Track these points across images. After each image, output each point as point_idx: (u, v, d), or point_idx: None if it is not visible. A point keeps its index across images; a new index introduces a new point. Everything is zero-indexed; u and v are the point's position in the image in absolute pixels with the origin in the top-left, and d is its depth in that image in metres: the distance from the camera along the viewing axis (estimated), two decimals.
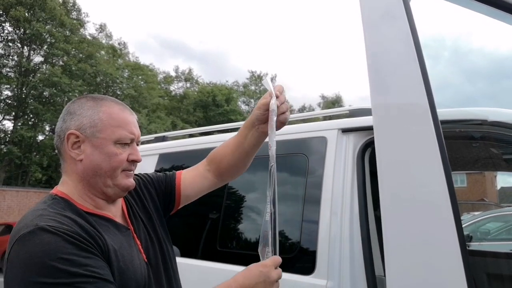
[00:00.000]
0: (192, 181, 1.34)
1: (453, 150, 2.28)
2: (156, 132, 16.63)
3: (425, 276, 1.04)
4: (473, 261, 2.78)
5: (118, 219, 1.08)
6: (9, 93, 23.01)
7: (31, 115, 23.13)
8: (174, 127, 29.10)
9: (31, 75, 22.56)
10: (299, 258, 1.93)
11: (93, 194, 1.04)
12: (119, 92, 27.36)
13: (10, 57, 22.61)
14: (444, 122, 1.12)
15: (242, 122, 3.17)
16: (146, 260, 1.06)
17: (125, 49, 31.12)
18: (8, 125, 23.98)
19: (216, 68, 59.97)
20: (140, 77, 29.59)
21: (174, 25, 67.51)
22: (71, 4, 25.07)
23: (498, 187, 21.42)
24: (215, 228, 2.32)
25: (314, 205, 1.94)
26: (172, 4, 65.61)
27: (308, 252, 1.90)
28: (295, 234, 1.99)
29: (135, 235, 1.09)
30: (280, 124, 1.23)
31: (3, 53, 22.03)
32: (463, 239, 1.01)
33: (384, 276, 1.65)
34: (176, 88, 38.78)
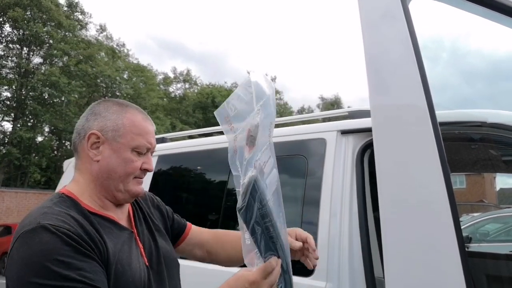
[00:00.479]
0: (193, 243, 1.37)
1: (452, 152, 2.28)
2: (155, 134, 16.58)
3: (424, 278, 1.04)
4: (472, 262, 2.78)
5: (123, 222, 1.09)
6: (8, 94, 23.01)
7: (30, 116, 23.10)
8: (173, 128, 29.10)
9: (30, 76, 22.55)
10: (298, 260, 1.92)
11: (103, 196, 1.06)
12: (118, 93, 27.36)
13: (9, 58, 22.60)
14: (443, 123, 1.12)
15: None
16: (147, 264, 1.06)
17: (125, 50, 31.11)
18: (7, 126, 23.98)
19: (215, 69, 60.06)
20: (139, 78, 29.60)
21: (172, 26, 67.61)
22: (74, 5, 25.08)
23: (497, 189, 21.41)
24: (214, 229, 2.32)
25: (313, 207, 1.94)
26: (170, 4, 65.70)
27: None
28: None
29: (138, 238, 1.09)
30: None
31: (2, 54, 22.02)
32: (462, 241, 1.01)
33: (383, 277, 1.65)
34: (175, 89, 38.81)
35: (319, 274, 1.78)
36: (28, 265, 0.83)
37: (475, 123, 1.65)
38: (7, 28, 22.28)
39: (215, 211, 2.40)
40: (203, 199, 2.59)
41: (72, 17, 24.73)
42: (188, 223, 1.39)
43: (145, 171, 1.10)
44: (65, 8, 24.31)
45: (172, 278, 1.15)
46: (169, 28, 67.14)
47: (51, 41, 22.20)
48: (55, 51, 22.35)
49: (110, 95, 27.87)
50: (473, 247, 5.43)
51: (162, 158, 2.77)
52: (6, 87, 22.16)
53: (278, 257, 0.93)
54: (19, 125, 22.59)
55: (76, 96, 23.04)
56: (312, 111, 42.31)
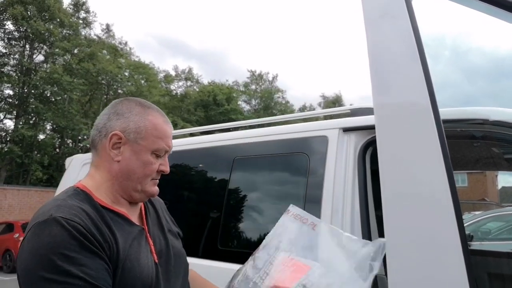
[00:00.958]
0: None
1: (454, 150, 2.28)
2: None
3: (426, 275, 1.04)
4: (474, 260, 2.77)
5: (134, 218, 1.10)
6: (11, 92, 23.06)
7: (32, 114, 23.15)
8: (174, 126, 28.86)
9: (33, 74, 22.57)
10: None
11: (118, 194, 1.07)
12: (120, 91, 27.38)
13: (12, 56, 22.62)
14: (445, 121, 1.12)
15: (242, 122, 3.17)
16: (156, 261, 1.07)
17: (127, 48, 31.13)
18: (9, 124, 24.05)
19: (216, 67, 60.02)
20: (141, 75, 29.62)
21: (173, 24, 67.57)
22: (80, 4, 25.10)
23: (499, 187, 21.40)
24: (216, 227, 2.32)
25: (315, 204, 1.94)
26: (171, 2, 65.62)
27: None
28: None
29: (148, 235, 1.10)
30: None
31: (4, 51, 22.04)
32: (465, 239, 1.01)
33: (385, 275, 1.65)
34: (177, 87, 38.82)
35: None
36: (35, 257, 0.86)
37: (478, 121, 1.65)
38: (9, 25, 22.31)
39: (216, 209, 2.40)
40: (204, 197, 2.59)
41: (76, 15, 24.75)
42: None
43: (161, 172, 1.12)
44: (71, 7, 24.32)
45: (180, 277, 1.16)
46: (170, 26, 67.18)
47: (52, 39, 22.18)
48: (56, 50, 22.36)
49: (111, 92, 27.91)
50: (475, 245, 5.43)
51: None
52: (8, 85, 22.19)
53: None
54: (21, 123, 22.64)
55: (78, 94, 23.03)
56: (313, 109, 42.29)
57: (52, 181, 24.73)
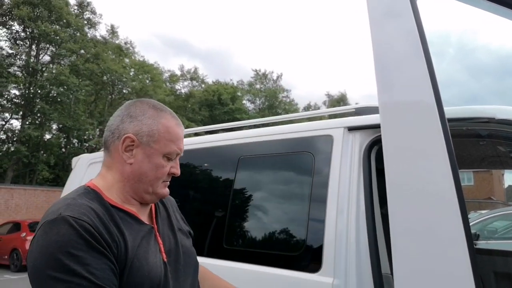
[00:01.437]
0: None
1: (460, 148, 2.27)
2: None
3: (432, 274, 1.04)
4: (480, 259, 2.76)
5: (144, 217, 1.11)
6: (17, 93, 23.21)
7: (39, 115, 23.28)
8: None
9: (39, 75, 22.70)
10: (306, 256, 1.93)
11: (129, 195, 1.08)
12: (125, 91, 27.48)
13: (18, 57, 22.77)
14: (451, 120, 1.12)
15: (247, 121, 3.17)
16: (165, 260, 1.07)
17: (132, 48, 31.23)
18: (16, 124, 24.20)
19: (220, 67, 60.05)
20: (146, 75, 29.71)
21: (177, 24, 67.68)
22: (85, 5, 25.22)
23: (506, 186, 21.26)
24: (221, 226, 2.33)
25: (320, 203, 1.94)
26: (175, 2, 65.72)
27: (314, 250, 1.90)
28: (301, 232, 1.99)
29: (158, 234, 1.11)
30: None
31: (11, 52, 22.18)
32: (471, 237, 1.01)
33: (390, 274, 1.65)
34: (182, 86, 38.89)
35: (326, 270, 1.79)
36: (43, 255, 0.87)
37: (483, 119, 1.64)
38: (16, 26, 22.45)
39: (222, 208, 2.41)
40: (210, 196, 2.60)
41: (81, 16, 24.86)
42: None
43: (172, 175, 1.13)
44: (75, 7, 24.44)
45: (190, 276, 1.16)
46: (174, 26, 67.29)
47: (59, 40, 22.29)
48: (63, 51, 22.47)
49: (116, 92, 28.02)
50: (481, 244, 5.40)
51: None
52: (14, 85, 22.34)
53: None
54: (27, 123, 22.78)
55: (83, 94, 23.14)
56: (318, 108, 42.21)
57: (58, 180, 24.88)
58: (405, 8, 1.19)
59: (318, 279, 1.79)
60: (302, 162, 2.16)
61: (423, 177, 1.10)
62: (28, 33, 22.41)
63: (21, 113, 22.94)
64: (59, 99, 22.31)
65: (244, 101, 39.44)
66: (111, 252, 0.93)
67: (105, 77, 25.64)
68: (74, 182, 3.16)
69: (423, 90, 1.11)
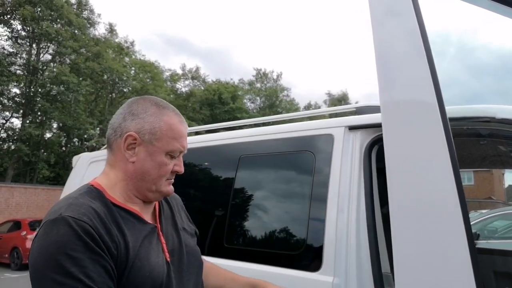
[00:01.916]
0: None
1: (460, 148, 2.27)
2: None
3: (433, 274, 1.04)
4: (480, 259, 2.76)
5: (147, 216, 1.10)
6: (18, 91, 23.21)
7: (39, 113, 23.29)
8: None
9: (39, 73, 22.70)
10: (306, 255, 1.93)
11: (132, 194, 1.07)
12: (125, 90, 27.47)
13: (19, 55, 22.77)
14: (451, 119, 1.12)
15: (248, 120, 3.17)
16: (168, 259, 1.06)
17: (132, 46, 31.23)
18: (16, 123, 24.21)
19: (220, 66, 60.03)
20: (147, 74, 29.71)
21: (177, 23, 67.64)
22: (83, 4, 25.21)
23: (506, 185, 21.24)
24: (222, 225, 2.34)
25: (320, 202, 1.94)
26: (176, 0, 65.71)
27: (315, 249, 1.90)
28: (301, 231, 1.99)
29: (161, 233, 1.10)
30: None
31: (12, 51, 22.17)
32: (472, 237, 1.01)
33: (391, 273, 1.66)
34: (182, 86, 38.89)
35: (326, 269, 1.79)
36: (42, 255, 0.88)
37: (484, 119, 1.64)
38: (17, 25, 22.44)
39: (222, 207, 2.41)
40: (210, 195, 2.60)
41: (81, 15, 24.86)
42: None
43: (175, 172, 1.11)
44: (74, 7, 24.41)
45: (193, 275, 1.15)
46: (174, 24, 67.25)
47: (60, 39, 22.29)
48: (64, 49, 22.47)
49: (117, 91, 28.02)
50: (481, 243, 5.40)
51: None
52: (15, 84, 22.34)
53: None
54: (28, 122, 22.79)
55: (84, 93, 23.14)
56: (319, 107, 42.19)
57: (59, 179, 24.89)
58: (406, 7, 1.18)
59: (319, 278, 1.79)
60: (303, 161, 2.16)
61: (424, 176, 1.10)
62: (29, 32, 22.40)
63: (21, 111, 22.95)
64: (59, 98, 22.31)
65: (244, 100, 39.41)
66: (110, 254, 0.92)
67: (105, 76, 25.63)
68: (75, 180, 3.16)
69: (424, 89, 1.11)
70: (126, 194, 1.06)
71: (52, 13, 22.11)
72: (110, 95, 28.44)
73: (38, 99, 22.27)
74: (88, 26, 25.47)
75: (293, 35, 70.74)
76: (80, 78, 22.50)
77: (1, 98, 22.40)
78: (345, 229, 1.81)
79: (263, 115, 33.24)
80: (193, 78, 39.39)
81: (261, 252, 2.13)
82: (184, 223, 1.25)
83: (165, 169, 1.07)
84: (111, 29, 28.58)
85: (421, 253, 1.08)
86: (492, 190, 20.90)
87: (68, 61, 23.74)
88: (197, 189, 2.70)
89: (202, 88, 38.15)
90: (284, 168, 2.30)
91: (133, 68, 28.96)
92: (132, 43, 31.29)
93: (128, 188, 1.06)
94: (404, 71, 1.18)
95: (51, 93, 22.18)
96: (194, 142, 2.74)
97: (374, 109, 2.09)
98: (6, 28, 21.92)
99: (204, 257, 1.43)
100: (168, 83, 36.23)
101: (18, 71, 22.65)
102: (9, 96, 22.85)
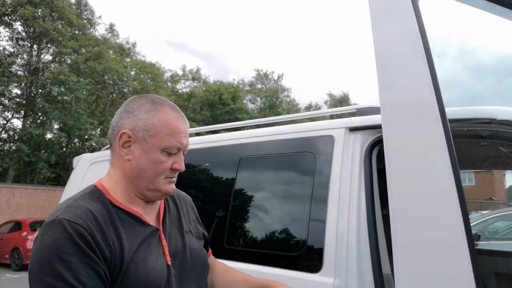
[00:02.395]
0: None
1: (461, 149, 2.27)
2: None
3: (433, 275, 1.04)
4: (481, 260, 2.76)
5: (150, 218, 1.09)
6: (18, 92, 23.23)
7: (40, 114, 23.31)
8: None
9: (40, 74, 22.73)
10: (306, 256, 1.93)
11: (133, 193, 1.07)
12: (125, 90, 27.49)
13: (20, 56, 22.80)
14: (452, 120, 1.12)
15: (248, 121, 3.18)
16: (169, 263, 1.04)
17: (133, 47, 31.26)
18: (17, 123, 24.23)
19: (221, 67, 60.04)
20: (147, 75, 29.74)
21: (178, 23, 67.68)
22: (84, 5, 25.25)
23: (507, 186, 21.22)
24: (222, 226, 2.34)
25: (321, 204, 1.94)
26: (177, 1, 65.74)
27: (315, 250, 1.90)
28: (302, 232, 1.99)
29: (163, 235, 1.08)
30: None
31: (12, 51, 22.21)
32: (472, 238, 1.01)
33: (391, 274, 1.65)
34: (183, 86, 38.91)
35: (327, 270, 1.79)
36: (38, 257, 0.89)
37: (485, 120, 1.64)
38: (18, 26, 22.48)
39: (223, 208, 2.41)
40: (211, 196, 2.61)
41: (82, 16, 24.90)
42: (210, 249, 1.39)
43: (176, 170, 1.09)
44: (74, 7, 24.45)
45: (196, 280, 1.13)
46: (175, 25, 67.30)
47: (60, 39, 22.33)
48: (64, 49, 22.51)
49: (117, 92, 28.05)
50: (482, 245, 5.40)
51: None
52: (16, 84, 22.36)
53: None
54: (28, 122, 22.81)
55: (84, 93, 23.16)
56: (319, 108, 42.20)
57: (60, 180, 24.90)
58: (406, 7, 1.19)
59: (319, 279, 1.79)
60: (303, 162, 2.16)
61: (424, 177, 1.10)
62: (30, 33, 22.43)
63: (22, 112, 22.97)
64: (60, 98, 22.34)
65: (244, 101, 39.41)
66: (103, 257, 0.92)
67: (106, 77, 25.66)
68: (75, 181, 3.17)
69: (424, 90, 1.12)
70: (127, 194, 1.06)
71: (53, 14, 22.15)
72: (111, 96, 28.46)
73: (38, 100, 22.30)
74: (89, 26, 25.51)
75: (295, 35, 70.78)
76: (81, 79, 22.51)
77: (2, 99, 22.43)
78: (345, 230, 1.81)
79: (264, 116, 33.26)
80: (193, 79, 39.42)
81: (261, 253, 2.13)
82: (191, 225, 1.23)
83: (161, 166, 1.05)
84: (112, 30, 28.64)
85: (421, 254, 1.08)
86: (493, 191, 20.88)
87: (68, 61, 23.77)
88: (197, 190, 2.70)
89: (203, 88, 38.17)
90: (285, 169, 2.30)
91: (133, 69, 28.99)
92: (133, 44, 31.37)
93: (128, 187, 1.06)
94: (404, 73, 1.18)
95: (52, 93, 22.20)
96: (194, 143, 2.74)
97: (375, 110, 2.08)
98: (7, 29, 21.96)
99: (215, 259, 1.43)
100: (169, 84, 36.26)
101: (18, 72, 22.68)
102: (9, 96, 22.88)
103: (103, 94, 27.83)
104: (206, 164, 2.72)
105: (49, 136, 24.52)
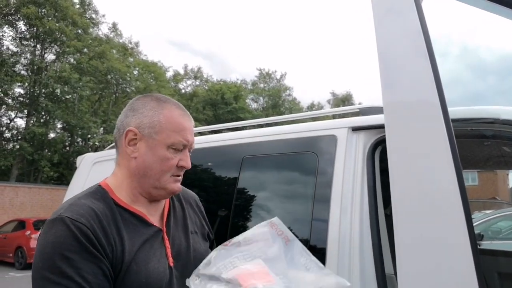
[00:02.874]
0: None
1: (464, 149, 2.26)
2: None
3: (436, 274, 1.04)
4: (484, 260, 2.75)
5: (154, 218, 1.08)
6: (22, 91, 23.31)
7: (43, 113, 23.39)
8: None
9: (44, 73, 22.80)
10: None
11: (137, 191, 1.07)
12: (128, 90, 27.55)
13: (23, 55, 22.87)
14: (455, 120, 1.12)
15: (251, 121, 3.18)
16: (172, 264, 1.04)
17: (136, 47, 31.32)
18: (21, 123, 24.34)
19: (224, 66, 60.03)
20: (150, 74, 29.78)
21: (180, 22, 67.71)
22: (87, 4, 25.31)
23: (510, 186, 21.14)
24: (225, 225, 2.34)
25: (324, 204, 1.94)
26: (179, 0, 65.76)
27: (318, 250, 1.90)
28: (304, 232, 1.99)
29: (166, 237, 1.07)
30: None
31: (16, 51, 22.28)
32: (474, 238, 1.01)
33: (394, 274, 1.65)
34: (185, 86, 38.92)
35: (329, 270, 1.79)
36: (41, 255, 0.89)
37: (488, 120, 1.64)
38: (21, 25, 22.54)
39: (225, 207, 2.41)
40: (213, 196, 2.61)
41: (85, 15, 24.97)
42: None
43: (182, 168, 1.09)
44: (77, 6, 24.52)
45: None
46: (177, 24, 67.32)
47: (64, 38, 22.38)
48: (67, 49, 22.56)
49: (120, 91, 28.11)
50: (485, 244, 5.39)
51: None
52: (19, 84, 22.43)
53: None
54: (32, 121, 22.89)
55: (87, 92, 23.22)
56: (321, 108, 42.15)
57: (63, 179, 24.98)
58: (409, 7, 1.18)
59: None
60: (306, 162, 2.16)
61: (427, 177, 1.10)
62: (33, 32, 22.48)
63: (26, 111, 23.05)
64: (63, 97, 22.39)
65: (247, 100, 39.37)
66: (105, 256, 0.92)
67: (109, 76, 25.71)
68: (79, 181, 3.17)
69: (427, 90, 1.11)
70: (131, 193, 1.06)
71: (56, 13, 22.20)
72: (114, 95, 28.51)
73: (42, 99, 22.37)
74: (92, 25, 25.56)
75: (298, 35, 70.67)
76: (83, 77, 22.55)
77: (6, 98, 22.52)
78: (348, 230, 1.81)
79: (266, 115, 33.24)
80: (195, 78, 39.43)
81: None
82: (197, 225, 1.22)
83: (168, 163, 1.05)
84: (115, 29, 28.69)
85: (424, 254, 1.08)
86: (496, 191, 20.83)
87: (72, 60, 23.83)
88: (200, 189, 2.70)
89: (206, 88, 38.16)
90: (287, 169, 2.30)
91: (136, 69, 29.03)
92: (136, 44, 31.41)
93: (133, 186, 1.06)
94: (406, 72, 1.18)
95: (55, 92, 22.25)
96: (197, 143, 2.73)
97: (378, 110, 2.08)
98: (10, 28, 22.03)
99: None
100: (172, 83, 36.29)
101: (22, 71, 22.75)
102: (13, 96, 22.96)
103: (106, 94, 27.90)
104: (209, 164, 2.72)
105: (52, 135, 24.60)
